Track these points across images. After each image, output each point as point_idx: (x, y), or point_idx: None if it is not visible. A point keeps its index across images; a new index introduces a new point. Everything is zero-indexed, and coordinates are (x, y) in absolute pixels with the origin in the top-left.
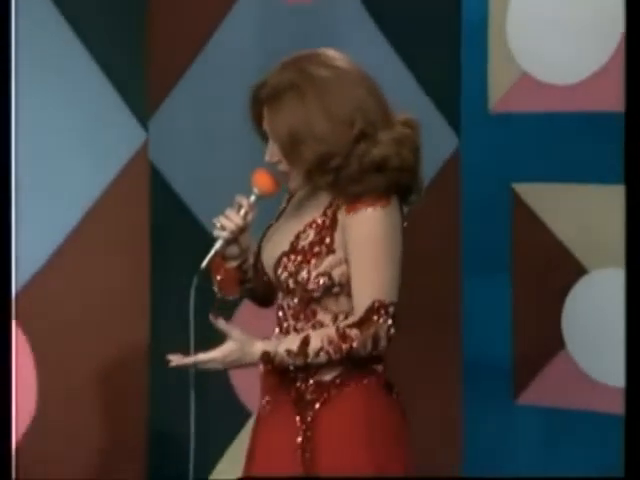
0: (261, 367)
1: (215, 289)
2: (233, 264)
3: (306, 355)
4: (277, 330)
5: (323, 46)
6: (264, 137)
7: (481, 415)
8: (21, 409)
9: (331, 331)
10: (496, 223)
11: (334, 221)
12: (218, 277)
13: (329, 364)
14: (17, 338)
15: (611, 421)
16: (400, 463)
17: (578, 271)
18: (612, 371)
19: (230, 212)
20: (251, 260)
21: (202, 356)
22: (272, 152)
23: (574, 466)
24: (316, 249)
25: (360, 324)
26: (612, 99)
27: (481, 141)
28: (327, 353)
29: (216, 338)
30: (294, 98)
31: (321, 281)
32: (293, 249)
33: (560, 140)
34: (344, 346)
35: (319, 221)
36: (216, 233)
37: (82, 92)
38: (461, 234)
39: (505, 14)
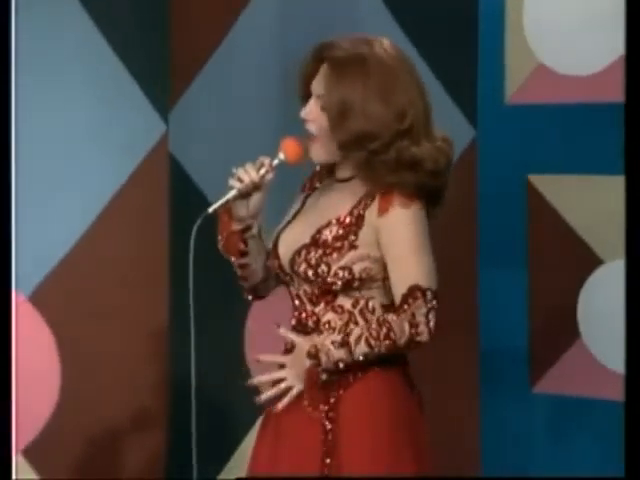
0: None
1: (219, 246)
2: (237, 226)
3: (349, 344)
4: (294, 322)
5: (340, 38)
6: (304, 95)
7: (498, 403)
8: (44, 398)
9: (372, 320)
10: (512, 214)
11: (360, 219)
12: (222, 234)
13: (367, 360)
14: (40, 328)
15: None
16: (413, 456)
17: (594, 262)
18: None
19: (250, 166)
20: (255, 231)
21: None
22: (310, 110)
23: (590, 454)
24: (338, 244)
25: (397, 309)
26: None
27: (497, 132)
28: (367, 341)
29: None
30: (360, 72)
31: (341, 274)
32: (315, 242)
33: (576, 131)
34: (382, 331)
35: (345, 218)
36: (231, 183)
37: (102, 84)
38: (477, 225)
39: (522, 5)
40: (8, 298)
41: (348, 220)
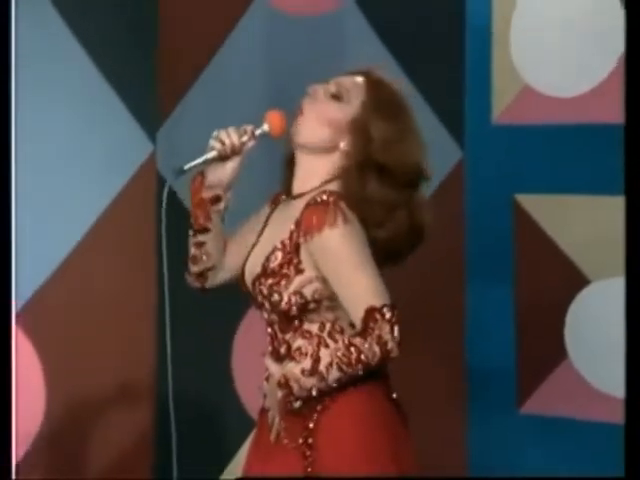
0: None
1: (190, 210)
2: (207, 194)
3: (319, 372)
4: (270, 349)
5: (327, 58)
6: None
7: (485, 423)
8: (29, 418)
9: (339, 345)
10: (499, 233)
11: (298, 244)
12: (192, 199)
13: (342, 383)
14: (24, 347)
15: (614, 430)
16: (398, 468)
17: (580, 281)
18: (615, 381)
19: (233, 130)
20: (222, 206)
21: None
22: (316, 90)
23: (577, 474)
24: (285, 270)
25: (362, 332)
26: (613, 111)
27: (484, 153)
28: (338, 366)
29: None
30: (391, 115)
31: (293, 300)
32: (264, 271)
33: (562, 152)
34: (352, 356)
35: (286, 243)
36: (212, 143)
37: (90, 104)
38: (465, 245)
39: (508, 28)
40: (8, 325)
41: (289, 244)
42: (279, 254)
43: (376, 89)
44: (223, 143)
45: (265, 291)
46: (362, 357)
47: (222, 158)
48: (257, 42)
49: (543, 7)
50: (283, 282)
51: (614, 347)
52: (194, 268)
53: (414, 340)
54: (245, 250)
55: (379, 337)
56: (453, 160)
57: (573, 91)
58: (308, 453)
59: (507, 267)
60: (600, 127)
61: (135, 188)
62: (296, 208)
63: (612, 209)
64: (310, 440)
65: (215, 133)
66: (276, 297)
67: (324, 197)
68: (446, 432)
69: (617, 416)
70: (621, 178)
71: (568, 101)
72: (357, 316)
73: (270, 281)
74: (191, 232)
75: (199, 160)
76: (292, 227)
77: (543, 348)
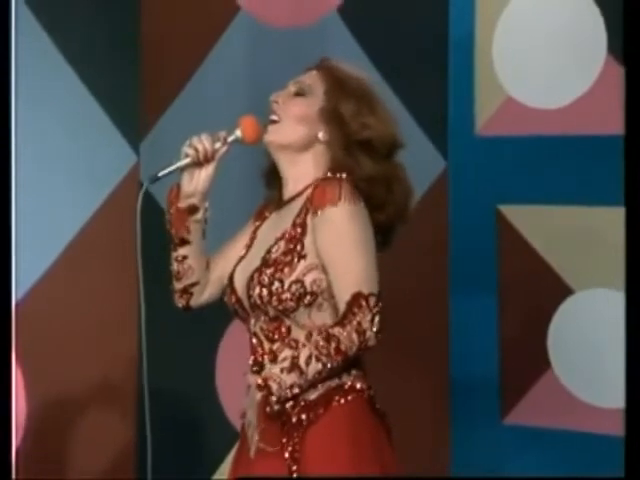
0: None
1: (166, 219)
2: (183, 204)
3: (299, 367)
4: (251, 362)
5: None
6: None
7: (469, 434)
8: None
9: (317, 337)
10: (483, 244)
11: (303, 227)
12: (169, 210)
13: (321, 376)
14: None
15: (597, 440)
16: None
17: (564, 291)
18: (598, 391)
19: (205, 137)
20: (199, 216)
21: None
22: (279, 94)
23: None
24: (288, 258)
25: (342, 320)
26: (595, 122)
27: (468, 163)
28: (318, 359)
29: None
30: (355, 93)
31: (294, 288)
32: (265, 263)
33: (545, 163)
34: (331, 346)
35: (289, 231)
36: (185, 149)
37: (75, 117)
38: (448, 255)
39: (491, 40)
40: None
41: (292, 232)
42: (281, 243)
43: (333, 75)
44: (196, 150)
45: (266, 280)
46: (341, 347)
47: (196, 165)
48: (240, 55)
49: (526, 19)
50: (286, 270)
51: (597, 357)
52: (177, 285)
53: (398, 349)
54: (231, 264)
55: (359, 324)
56: (437, 171)
57: (556, 102)
58: (294, 468)
59: (491, 278)
60: (582, 138)
61: (119, 199)
62: (293, 208)
63: (593, 219)
64: (297, 455)
65: (188, 140)
66: (277, 285)
67: (336, 175)
68: (430, 443)
69: (600, 426)
70: (603, 188)
71: (551, 112)
72: (343, 298)
73: (272, 270)
74: (172, 247)
75: (173, 167)
76: (294, 215)
77: (527, 359)
